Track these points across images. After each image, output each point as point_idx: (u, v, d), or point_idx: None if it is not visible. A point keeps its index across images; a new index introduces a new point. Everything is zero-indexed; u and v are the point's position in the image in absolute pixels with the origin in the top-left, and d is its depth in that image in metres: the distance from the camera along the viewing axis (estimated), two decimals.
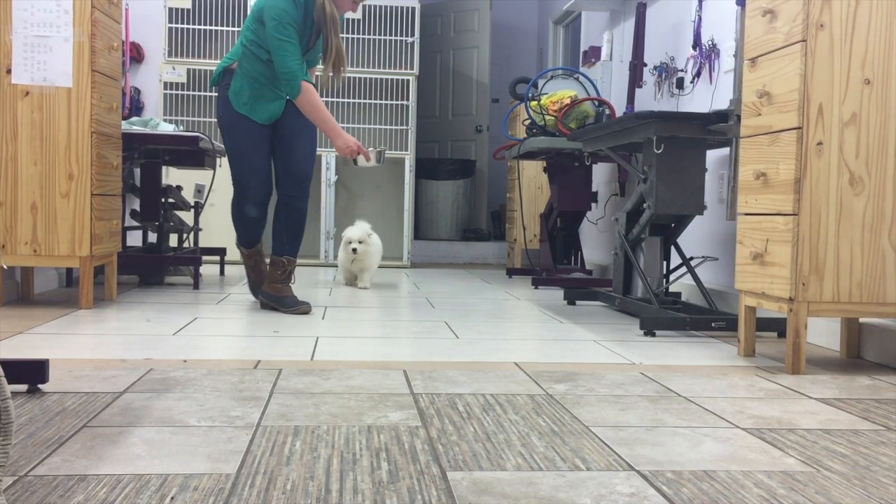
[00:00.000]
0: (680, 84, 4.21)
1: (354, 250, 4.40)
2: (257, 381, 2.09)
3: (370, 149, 3.47)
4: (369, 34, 6.35)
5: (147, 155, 4.25)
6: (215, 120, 3.46)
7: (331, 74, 3.44)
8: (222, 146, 4.26)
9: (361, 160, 3.42)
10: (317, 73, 3.65)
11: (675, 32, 4.38)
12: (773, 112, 2.44)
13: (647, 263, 3.51)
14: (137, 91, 6.33)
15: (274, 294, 3.46)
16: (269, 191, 3.45)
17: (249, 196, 3.41)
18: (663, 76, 4.46)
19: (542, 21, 8.35)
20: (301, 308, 3.38)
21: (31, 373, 1.90)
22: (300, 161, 3.45)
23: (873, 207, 2.34)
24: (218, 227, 5.90)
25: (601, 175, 5.56)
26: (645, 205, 3.46)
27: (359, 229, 4.46)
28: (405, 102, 6.34)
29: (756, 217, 2.53)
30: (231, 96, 3.36)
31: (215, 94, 3.57)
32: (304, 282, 4.81)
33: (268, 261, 3.62)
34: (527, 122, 5.00)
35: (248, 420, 1.71)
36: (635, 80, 4.58)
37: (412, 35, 6.35)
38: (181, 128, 4.41)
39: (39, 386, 1.93)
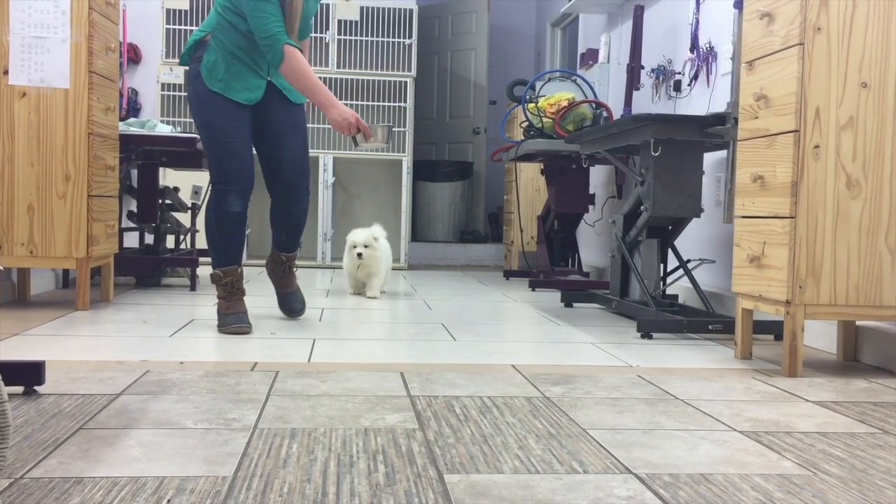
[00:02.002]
0: (677, 87, 4.21)
1: (360, 255, 4.03)
2: (254, 383, 2.08)
3: (376, 124, 3.01)
4: (367, 36, 6.35)
5: (144, 156, 4.25)
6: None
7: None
8: None
9: (362, 139, 2.94)
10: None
11: (672, 35, 4.39)
12: (770, 115, 2.44)
13: (645, 266, 3.52)
14: (135, 92, 6.32)
15: (277, 281, 3.29)
16: (252, 180, 2.98)
17: (233, 183, 2.92)
18: (661, 79, 4.46)
19: (539, 23, 8.36)
20: (297, 314, 3.26)
21: (27, 375, 1.89)
22: (290, 162, 3.05)
23: (870, 210, 2.34)
24: None
25: (598, 177, 5.56)
26: (642, 207, 3.46)
27: (364, 232, 4.08)
28: (402, 104, 6.34)
29: (753, 220, 2.53)
30: (204, 72, 2.89)
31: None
32: (301, 284, 4.80)
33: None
34: (524, 125, 5.00)
35: (245, 422, 1.70)
36: (633, 82, 4.58)
37: (410, 37, 6.35)
38: (178, 129, 4.41)
39: (36, 388, 1.92)
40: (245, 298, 3.08)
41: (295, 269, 3.31)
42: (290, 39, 2.82)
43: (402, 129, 6.33)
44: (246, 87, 2.93)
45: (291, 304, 3.27)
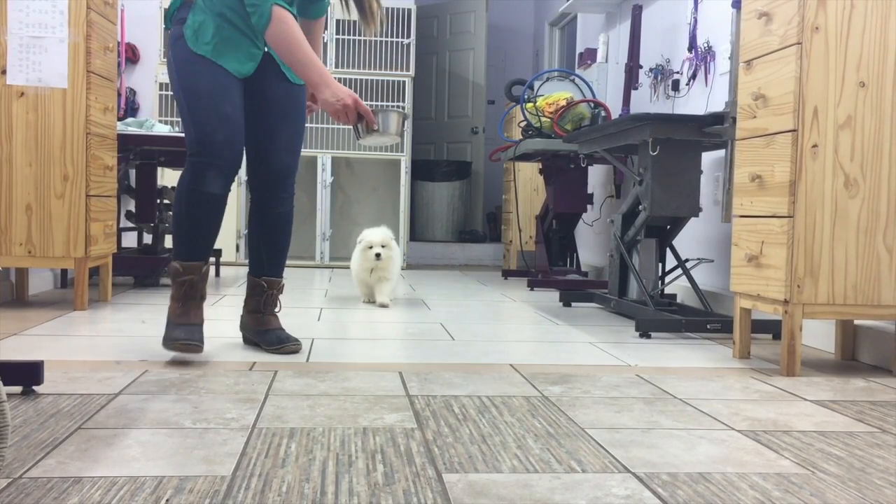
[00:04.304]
0: (675, 86, 4.21)
1: (378, 255, 3.65)
2: (253, 382, 2.08)
3: (387, 109, 2.39)
4: (365, 35, 6.34)
5: (142, 156, 4.25)
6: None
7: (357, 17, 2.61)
8: None
9: (365, 131, 2.37)
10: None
11: (670, 35, 4.39)
12: (768, 114, 2.44)
13: (643, 265, 3.52)
14: (133, 92, 6.31)
15: (254, 327, 2.60)
16: (240, 159, 2.41)
17: (215, 155, 2.33)
18: (659, 78, 4.46)
19: (538, 23, 8.36)
20: (287, 347, 2.51)
21: (25, 374, 1.89)
22: (281, 151, 2.52)
23: (868, 210, 2.34)
24: None
25: (597, 177, 5.57)
26: (640, 207, 3.46)
27: (380, 232, 3.73)
28: (401, 104, 6.34)
29: (751, 219, 2.53)
30: (188, 33, 2.36)
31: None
32: (299, 284, 4.80)
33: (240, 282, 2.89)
34: (523, 124, 5.00)
35: (244, 422, 1.70)
36: (631, 82, 4.59)
37: (408, 37, 6.35)
38: (176, 129, 4.41)
39: (34, 388, 1.92)
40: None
41: (278, 309, 2.64)
42: (282, 1, 2.33)
43: (398, 141, 6.32)
44: (237, 57, 2.40)
45: (282, 335, 2.57)
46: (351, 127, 2.39)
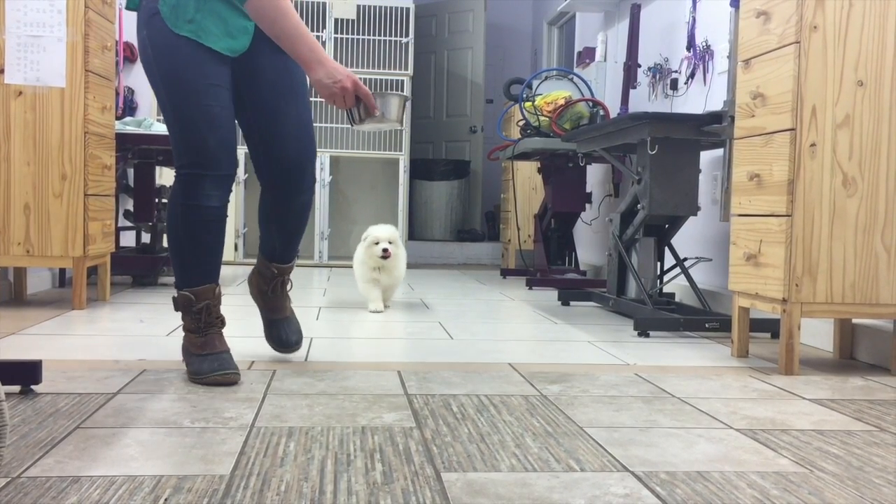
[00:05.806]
0: (674, 85, 4.21)
1: (385, 251, 3.40)
2: (251, 382, 2.08)
3: (386, 92, 2.16)
4: (364, 35, 6.35)
5: (140, 155, 4.24)
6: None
7: None
8: None
9: (359, 116, 2.12)
10: None
11: (669, 33, 4.39)
12: (766, 113, 2.44)
13: (641, 264, 3.52)
14: (131, 91, 6.31)
15: (265, 313, 2.41)
16: (235, 163, 2.11)
17: (209, 165, 2.04)
18: (657, 77, 4.46)
19: (536, 22, 8.36)
20: (289, 350, 2.39)
21: (24, 374, 1.89)
22: (290, 137, 2.17)
23: (866, 208, 2.34)
24: None
25: (595, 176, 5.57)
26: (639, 206, 3.46)
27: (387, 228, 3.50)
28: None
29: (749, 218, 2.53)
30: (165, 10, 2.00)
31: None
32: (298, 283, 4.80)
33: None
34: (521, 123, 5.00)
35: (242, 421, 1.70)
36: (629, 81, 4.59)
37: (407, 36, 6.35)
38: None
39: (32, 387, 1.92)
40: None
41: (290, 287, 2.42)
42: None
43: (398, 127, 6.32)
44: (227, 31, 2.05)
45: (283, 334, 2.38)
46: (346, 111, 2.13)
